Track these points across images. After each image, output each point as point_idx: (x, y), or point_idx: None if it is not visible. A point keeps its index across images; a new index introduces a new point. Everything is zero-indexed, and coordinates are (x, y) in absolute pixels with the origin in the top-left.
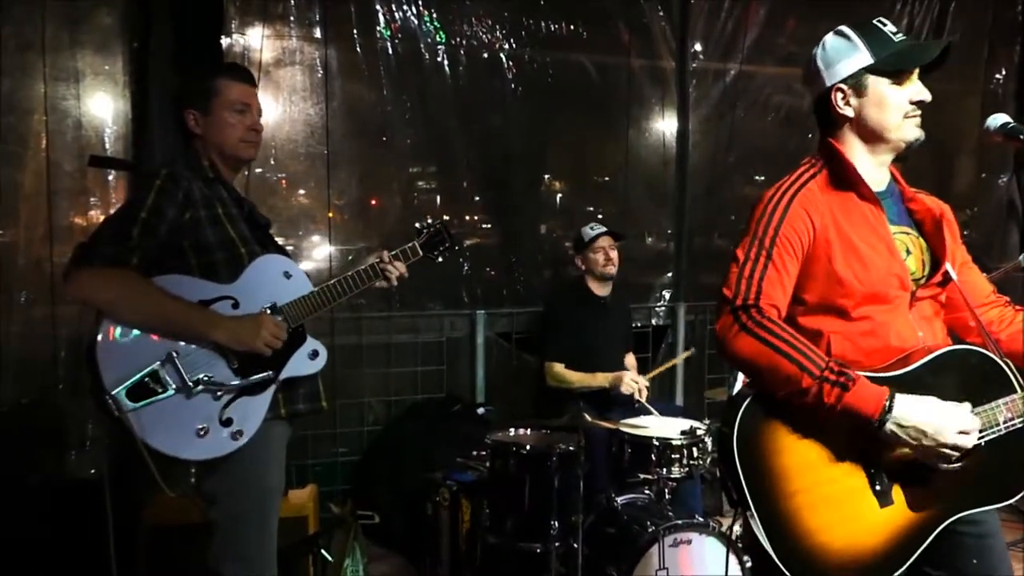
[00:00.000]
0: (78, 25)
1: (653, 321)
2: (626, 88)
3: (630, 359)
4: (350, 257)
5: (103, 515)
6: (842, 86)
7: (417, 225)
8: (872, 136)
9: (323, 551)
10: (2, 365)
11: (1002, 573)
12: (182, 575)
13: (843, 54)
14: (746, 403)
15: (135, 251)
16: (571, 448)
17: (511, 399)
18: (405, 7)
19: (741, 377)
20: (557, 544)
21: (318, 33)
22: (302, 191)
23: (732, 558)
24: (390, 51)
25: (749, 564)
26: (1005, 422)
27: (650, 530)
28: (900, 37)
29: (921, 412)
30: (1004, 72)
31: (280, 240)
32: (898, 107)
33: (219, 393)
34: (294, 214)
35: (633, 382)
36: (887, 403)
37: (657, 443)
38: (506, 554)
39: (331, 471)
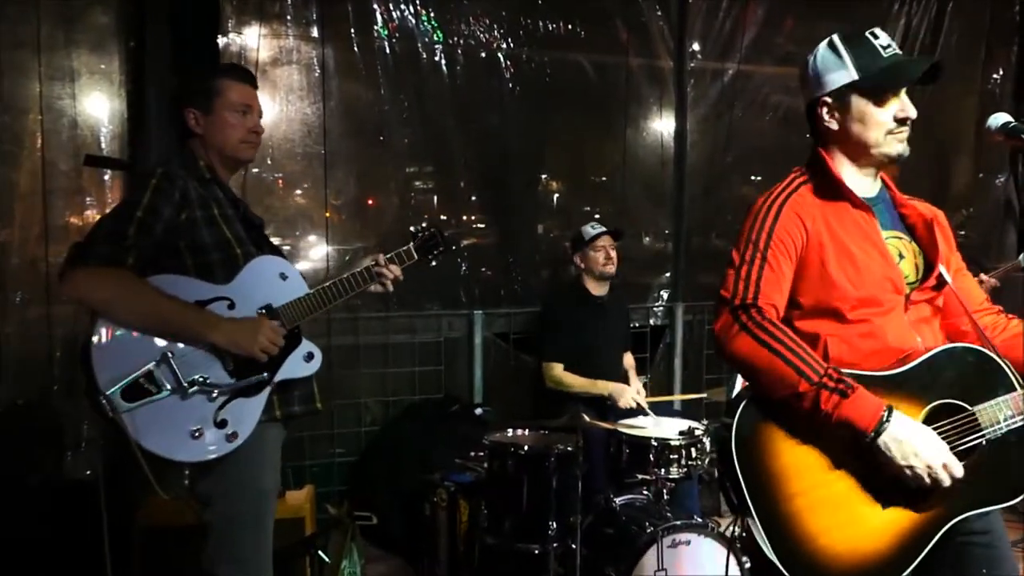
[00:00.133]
0: (73, 24)
1: (651, 321)
2: (624, 88)
3: (628, 359)
4: (347, 257)
5: (98, 516)
6: (827, 100)
7: (412, 228)
8: (856, 151)
9: (320, 552)
10: None
11: None
12: None
13: (830, 68)
14: (743, 405)
15: (131, 251)
16: (569, 448)
17: (509, 399)
18: (402, 6)
19: (740, 379)
20: (555, 545)
21: (315, 32)
22: (299, 191)
23: (731, 559)
24: (387, 50)
25: (748, 565)
26: (1006, 420)
27: (648, 531)
28: (890, 52)
29: (917, 433)
30: (1001, 72)
31: (277, 240)
32: (881, 124)
33: (214, 394)
34: (291, 214)
35: (633, 400)
36: (884, 414)
37: (655, 443)
38: (504, 555)
39: (328, 472)
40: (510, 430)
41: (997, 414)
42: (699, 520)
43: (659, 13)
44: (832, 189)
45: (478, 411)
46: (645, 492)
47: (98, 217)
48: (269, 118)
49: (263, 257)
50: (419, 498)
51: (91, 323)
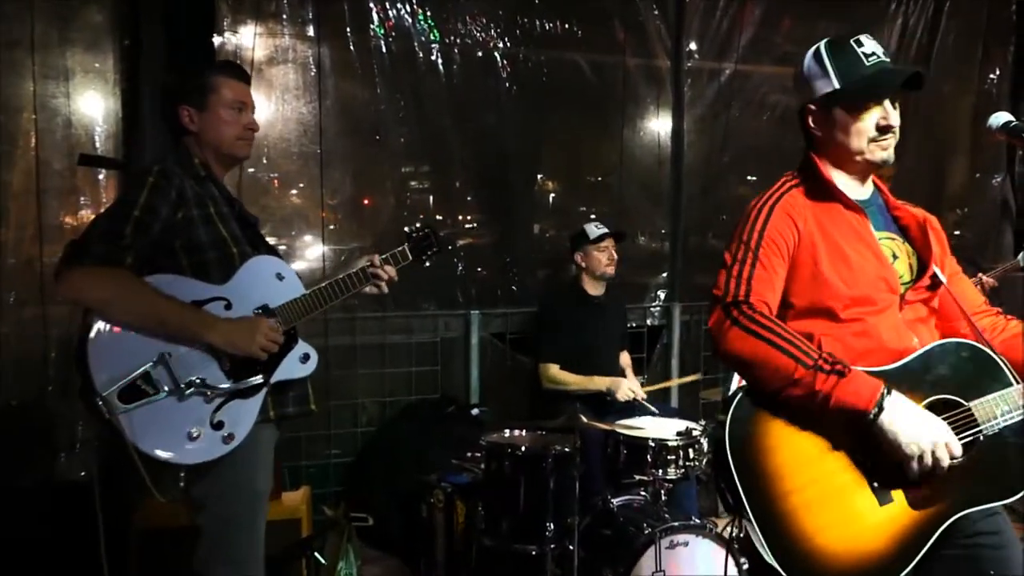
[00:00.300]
0: (68, 22)
1: (648, 321)
2: (621, 87)
3: (625, 358)
4: (343, 257)
5: (93, 518)
6: (812, 107)
7: (406, 229)
8: (841, 157)
9: (316, 554)
10: None
11: None
12: None
13: (815, 76)
14: (737, 400)
15: (128, 250)
16: (566, 449)
17: (506, 400)
18: (399, 5)
19: (736, 379)
20: (553, 546)
21: (311, 31)
22: (295, 191)
23: (730, 560)
24: (384, 49)
25: (747, 566)
26: (1003, 415)
27: (646, 532)
28: (873, 60)
29: (916, 411)
30: (998, 72)
31: (273, 240)
32: (863, 132)
33: (210, 396)
34: (287, 214)
35: (631, 391)
36: (883, 393)
37: (653, 444)
38: (501, 556)
39: (325, 473)
40: (507, 431)
41: (994, 409)
42: (697, 521)
43: (656, 13)
44: (824, 191)
45: (475, 411)
46: (643, 493)
47: (93, 217)
48: (265, 117)
49: (260, 257)
50: (416, 499)
51: (86, 323)
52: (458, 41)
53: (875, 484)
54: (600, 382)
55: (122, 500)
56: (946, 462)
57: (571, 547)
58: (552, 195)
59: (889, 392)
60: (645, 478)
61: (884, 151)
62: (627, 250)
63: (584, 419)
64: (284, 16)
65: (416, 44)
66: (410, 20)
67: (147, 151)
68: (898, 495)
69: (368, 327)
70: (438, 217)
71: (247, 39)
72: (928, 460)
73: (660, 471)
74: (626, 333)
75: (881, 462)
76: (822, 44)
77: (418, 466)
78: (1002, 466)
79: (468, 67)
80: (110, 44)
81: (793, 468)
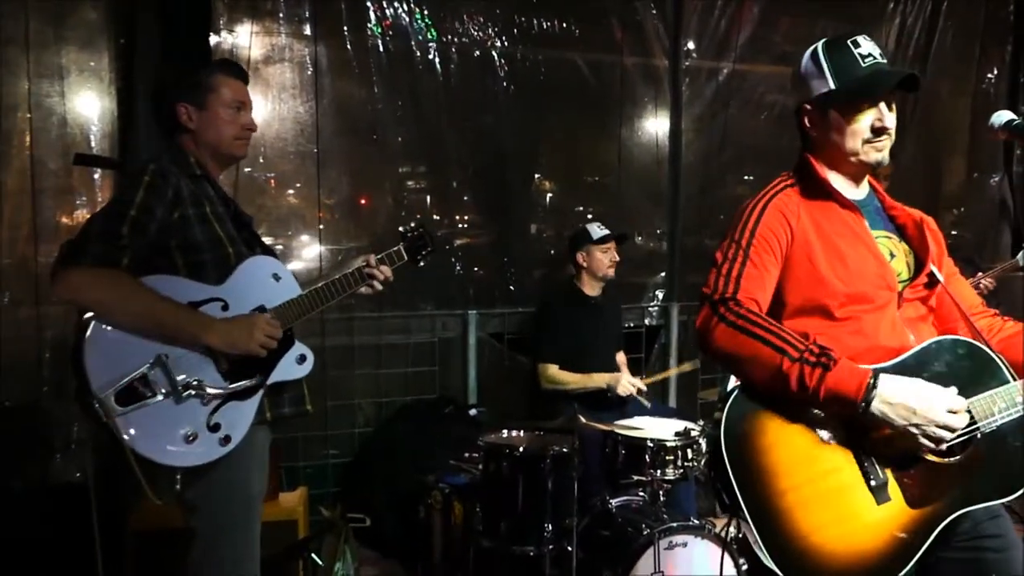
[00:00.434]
0: (63, 21)
1: (646, 321)
2: (619, 87)
3: (621, 358)
4: (340, 257)
5: (89, 519)
6: (808, 107)
7: (401, 228)
8: (835, 158)
9: (313, 555)
10: None
11: None
12: None
13: (811, 76)
14: (731, 400)
15: (125, 250)
16: (565, 450)
17: (503, 400)
18: (396, 4)
19: (732, 379)
20: (551, 547)
21: (308, 30)
22: (291, 190)
23: (728, 560)
24: (381, 48)
25: (745, 567)
26: (1000, 412)
27: (645, 533)
28: (869, 61)
29: (908, 389)
30: (996, 72)
31: (269, 240)
32: (857, 133)
33: (207, 398)
34: (283, 213)
35: (631, 384)
36: (871, 381)
37: (651, 444)
38: (499, 557)
39: (322, 473)
40: (505, 431)
41: (991, 406)
42: (696, 522)
43: (654, 12)
44: (819, 191)
45: (472, 412)
46: (641, 494)
47: (88, 217)
48: (261, 117)
49: (256, 258)
50: (413, 500)
51: (81, 324)
52: (455, 40)
53: (873, 483)
54: (600, 379)
55: (118, 501)
56: (958, 426)
57: (569, 548)
58: (550, 195)
59: (876, 379)
60: (643, 479)
61: (879, 152)
62: (625, 250)
63: (583, 420)
64: (280, 15)
65: (413, 43)
66: (407, 19)
67: (143, 150)
68: (896, 495)
69: (365, 327)
70: (435, 217)
71: (243, 38)
72: (936, 435)
73: (658, 472)
74: (622, 333)
75: (881, 457)
76: (819, 44)
77: (416, 467)
78: (1000, 464)
79: (465, 66)
80: (105, 43)
81: (789, 466)
